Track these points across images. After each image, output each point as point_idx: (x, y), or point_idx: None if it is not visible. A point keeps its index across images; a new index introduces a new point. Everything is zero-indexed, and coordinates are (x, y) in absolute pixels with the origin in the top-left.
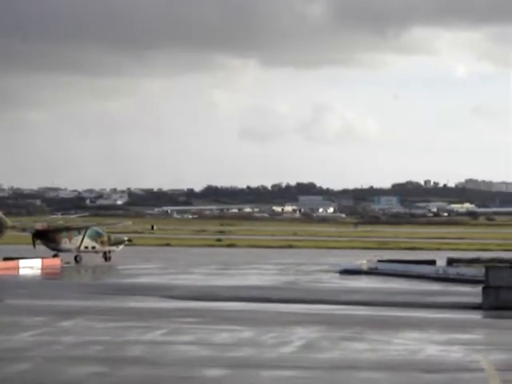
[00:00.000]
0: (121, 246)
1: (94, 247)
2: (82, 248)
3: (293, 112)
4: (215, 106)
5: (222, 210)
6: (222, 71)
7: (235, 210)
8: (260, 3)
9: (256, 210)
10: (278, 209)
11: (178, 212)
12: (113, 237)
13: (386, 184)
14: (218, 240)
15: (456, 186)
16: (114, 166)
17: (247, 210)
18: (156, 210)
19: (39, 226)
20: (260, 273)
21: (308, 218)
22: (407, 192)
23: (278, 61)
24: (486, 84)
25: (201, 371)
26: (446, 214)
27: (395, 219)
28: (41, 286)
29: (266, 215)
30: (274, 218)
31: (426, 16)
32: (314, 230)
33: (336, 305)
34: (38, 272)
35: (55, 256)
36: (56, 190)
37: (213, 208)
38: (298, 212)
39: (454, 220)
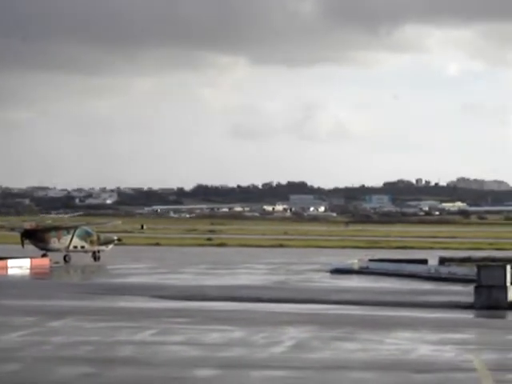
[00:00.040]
0: (110, 246)
1: (83, 247)
2: (71, 248)
3: (284, 110)
4: (206, 105)
5: (212, 209)
6: (212, 69)
7: (226, 209)
8: (251, 1)
9: (247, 209)
10: (268, 208)
11: (175, 211)
12: (102, 236)
13: (378, 183)
14: (209, 239)
15: (447, 184)
16: (104, 165)
17: (238, 209)
18: (146, 209)
19: (28, 225)
20: (251, 272)
21: (299, 217)
22: (399, 191)
23: (268, 59)
24: (477, 82)
25: (191, 371)
26: (437, 213)
27: (386, 218)
28: (30, 285)
29: (256, 214)
30: (265, 217)
31: (417, 14)
32: (304, 229)
33: (327, 304)
34: (26, 272)
35: (44, 256)
36: (45, 189)
37: (203, 207)
38: (288, 211)
39: (445, 219)
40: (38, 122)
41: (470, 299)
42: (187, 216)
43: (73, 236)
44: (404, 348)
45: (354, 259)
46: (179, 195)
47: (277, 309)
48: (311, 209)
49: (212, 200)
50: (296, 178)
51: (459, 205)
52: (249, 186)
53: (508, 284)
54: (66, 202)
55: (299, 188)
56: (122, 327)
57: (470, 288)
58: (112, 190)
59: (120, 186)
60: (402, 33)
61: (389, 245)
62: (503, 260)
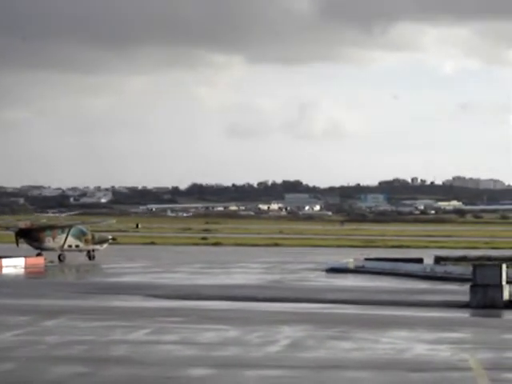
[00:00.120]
0: (105, 245)
1: (77, 246)
2: (66, 247)
3: (279, 109)
4: (200, 103)
5: (207, 208)
6: (207, 68)
7: (221, 208)
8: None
9: (242, 208)
10: (263, 207)
11: (172, 210)
12: (97, 235)
13: (373, 181)
14: (204, 238)
15: (443, 183)
16: (98, 164)
17: (233, 208)
18: (141, 208)
19: (23, 224)
20: (246, 271)
21: (294, 215)
22: (394, 190)
23: (263, 57)
24: (473, 80)
25: (186, 371)
26: (433, 212)
27: (382, 217)
28: (24, 285)
29: (251, 213)
30: (260, 216)
31: (412, 12)
32: (300, 228)
33: (322, 303)
34: (21, 271)
35: (39, 255)
36: (39, 188)
37: (198, 206)
38: (284, 210)
39: (441, 218)
40: (32, 120)
41: (466, 298)
42: (185, 215)
43: (67, 235)
44: (400, 347)
45: (350, 258)
46: (174, 194)
47: (272, 308)
48: (306, 208)
49: (207, 199)
50: (291, 177)
51: (455, 204)
52: (244, 185)
53: (503, 283)
54: (61, 200)
55: (294, 187)
56: (117, 326)
57: (466, 287)
58: (107, 189)
59: (115, 184)
60: (397, 31)
61: (384, 244)
62: (499, 259)
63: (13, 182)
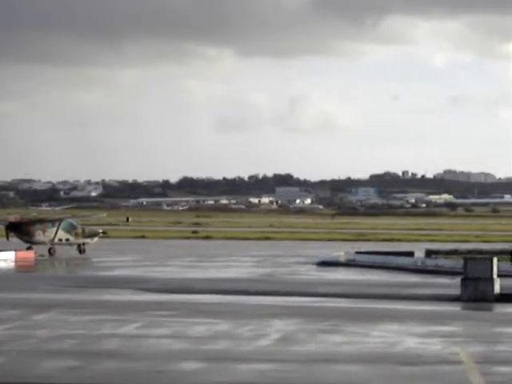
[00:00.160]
0: (95, 239)
1: (68, 239)
2: (56, 240)
3: (270, 102)
4: (191, 97)
5: (198, 201)
6: (197, 61)
7: (211, 202)
8: None
9: (232, 201)
10: (254, 200)
11: (168, 204)
12: (87, 229)
13: (364, 175)
14: (194, 232)
15: (434, 176)
16: (88, 157)
17: (223, 201)
18: (131, 201)
19: (13, 218)
20: (237, 265)
21: (285, 209)
22: (385, 183)
23: (254, 50)
24: (464, 74)
25: (177, 364)
26: (424, 205)
27: (373, 210)
28: (14, 278)
29: (242, 207)
30: (251, 209)
31: (403, 5)
32: (291, 222)
33: (313, 297)
34: (11, 265)
35: (29, 248)
36: (29, 181)
37: (189, 200)
38: (274, 203)
39: (432, 211)
40: (22, 114)
41: (457, 291)
42: (180, 208)
43: (58, 229)
44: (391, 341)
45: (341, 252)
46: (165, 188)
47: (263, 301)
48: (297, 201)
49: (198, 192)
50: (282, 171)
51: (446, 197)
52: (235, 179)
53: (494, 276)
54: (51, 194)
55: (285, 180)
56: (107, 320)
57: (457, 280)
58: (97, 183)
59: (105, 178)
60: (389, 24)
61: (375, 237)
62: (490, 252)
63: (3, 175)
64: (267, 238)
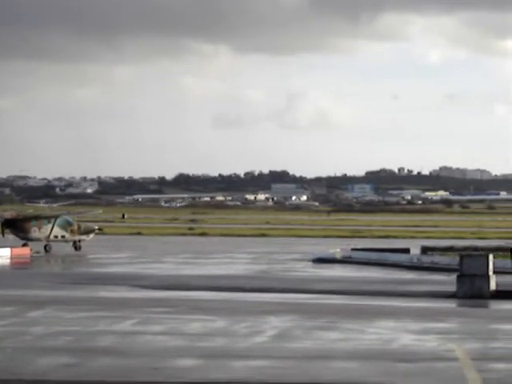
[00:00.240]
0: (91, 235)
1: (63, 236)
2: (52, 237)
3: (266, 99)
4: (187, 93)
5: (193, 198)
6: (193, 57)
7: (207, 199)
8: None
9: (228, 198)
10: (250, 197)
11: (166, 201)
12: (83, 226)
13: (360, 172)
14: (190, 229)
15: (430, 173)
16: (84, 154)
17: (219, 198)
18: (127, 198)
19: (8, 214)
20: (232, 262)
21: (281, 206)
22: (381, 180)
23: (250, 47)
24: (459, 70)
25: (173, 361)
26: (420, 202)
27: (369, 207)
28: (10, 275)
29: (238, 203)
30: (247, 206)
31: (399, 2)
32: (287, 219)
33: (309, 294)
34: (6, 261)
35: (25, 245)
36: (25, 178)
37: (184, 196)
38: (270, 200)
39: (428, 208)
40: (18, 110)
41: (453, 288)
42: (178, 205)
43: (53, 225)
44: (386, 337)
45: (337, 248)
46: (160, 184)
47: (259, 298)
48: (293, 198)
49: (193, 189)
50: (278, 167)
51: (442, 194)
52: (231, 175)
53: (490, 273)
54: (47, 191)
55: (281, 177)
56: (103, 317)
57: (453, 277)
58: (92, 179)
59: (101, 175)
60: (385, 21)
61: (371, 234)
62: (486, 249)
63: None
64: (263, 235)
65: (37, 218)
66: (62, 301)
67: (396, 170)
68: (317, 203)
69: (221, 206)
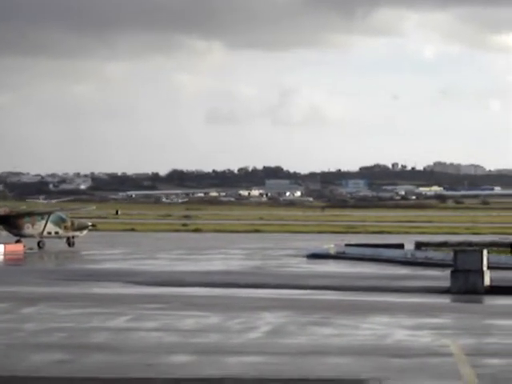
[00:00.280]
0: (84, 232)
1: (57, 232)
2: (45, 233)
3: (259, 95)
4: (180, 89)
5: (187, 194)
6: (186, 54)
7: (201, 195)
8: None
9: (222, 194)
10: (244, 193)
11: (167, 197)
12: (76, 222)
13: (354, 167)
14: (184, 225)
15: (424, 168)
16: (77, 150)
17: (213, 194)
18: (120, 194)
19: (1, 211)
20: (226, 258)
21: (275, 201)
22: (375, 175)
23: (243, 43)
24: (454, 66)
25: (166, 357)
26: (414, 198)
27: (363, 203)
28: (3, 271)
29: (232, 199)
30: (241, 202)
31: None
32: (281, 214)
33: (303, 289)
34: (0, 258)
35: (18, 241)
36: (18, 174)
37: (178, 192)
38: (264, 196)
39: (422, 203)
40: (11, 106)
41: (447, 284)
42: (180, 201)
43: (47, 222)
44: (380, 333)
45: (331, 244)
46: (154, 180)
47: (253, 294)
48: (287, 194)
49: (187, 185)
50: (272, 163)
51: (436, 189)
52: (224, 171)
53: (484, 268)
54: (40, 187)
55: (275, 173)
56: (97, 313)
57: (447, 272)
58: (86, 176)
59: (94, 171)
60: (379, 16)
61: (365, 229)
62: (480, 244)
63: None
64: (257, 231)
65: (30, 214)
66: (55, 297)
67: (390, 166)
68: (311, 199)
69: (215, 201)
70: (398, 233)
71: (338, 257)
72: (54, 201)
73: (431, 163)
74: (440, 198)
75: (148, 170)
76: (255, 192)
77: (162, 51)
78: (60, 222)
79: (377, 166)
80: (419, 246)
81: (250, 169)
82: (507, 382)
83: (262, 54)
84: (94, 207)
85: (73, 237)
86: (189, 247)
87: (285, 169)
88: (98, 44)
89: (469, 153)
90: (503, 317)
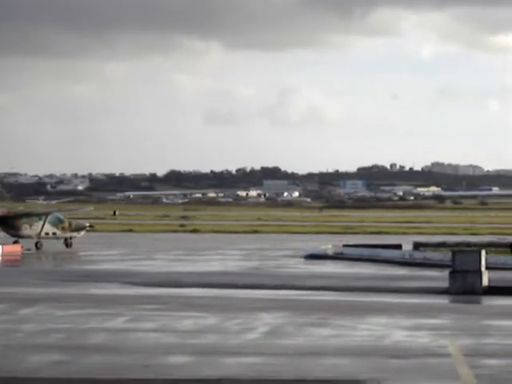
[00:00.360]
0: (82, 232)
1: (54, 233)
2: (43, 234)
3: (258, 95)
4: (178, 90)
5: (185, 194)
6: (185, 54)
7: (199, 195)
8: None
9: (220, 194)
10: (242, 193)
11: (167, 197)
12: (74, 223)
13: (352, 168)
14: (182, 225)
15: (422, 169)
16: (75, 151)
17: (211, 194)
18: (118, 195)
19: None
20: (224, 258)
21: (273, 202)
22: (373, 176)
23: (242, 43)
24: (451, 66)
25: (164, 358)
26: (412, 198)
27: (361, 203)
28: (1, 272)
29: (230, 200)
30: (239, 202)
31: None
32: (278, 215)
33: (301, 290)
34: None
35: (15, 242)
36: (15, 175)
37: (176, 193)
38: (262, 196)
39: (420, 204)
40: (6, 106)
41: (445, 284)
42: (180, 201)
43: (44, 222)
44: (378, 334)
45: (329, 245)
46: (152, 181)
47: (251, 295)
48: (285, 194)
49: (185, 186)
50: (270, 164)
51: (434, 190)
52: (222, 172)
53: (483, 269)
54: (38, 188)
55: (273, 173)
56: (94, 314)
57: (445, 273)
58: (84, 176)
59: (92, 171)
60: (377, 16)
61: (363, 230)
62: (478, 245)
63: None
64: (255, 232)
65: (28, 215)
66: (53, 298)
67: (388, 166)
68: (309, 199)
69: (212, 202)
70: (396, 233)
71: (336, 257)
72: (54, 201)
73: (429, 164)
74: (438, 198)
75: (146, 170)
76: (253, 192)
77: (161, 51)
78: (58, 222)
79: (375, 167)
80: (417, 246)
81: (248, 169)
82: (505, 382)
83: (260, 55)
84: (92, 208)
85: (70, 237)
86: (186, 248)
87: (283, 169)
88: (98, 44)
89: (467, 153)
90: (501, 317)
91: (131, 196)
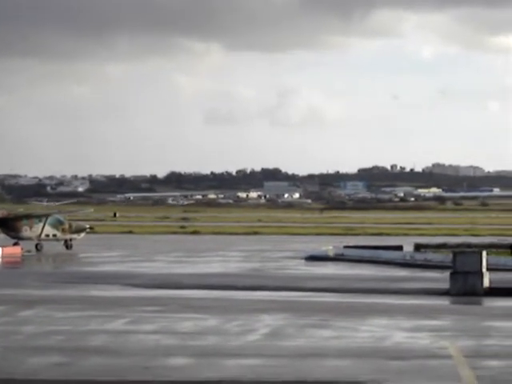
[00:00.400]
0: (82, 234)
1: (55, 235)
2: (43, 236)
3: (258, 96)
4: (179, 91)
5: (185, 196)
6: (185, 55)
7: (199, 197)
8: None
9: (220, 196)
10: (242, 195)
11: (173, 198)
12: (74, 224)
13: (352, 169)
14: (182, 227)
15: (423, 170)
16: (75, 152)
17: (211, 196)
18: (118, 196)
19: None
20: (225, 260)
21: (273, 203)
22: (373, 177)
23: (242, 44)
24: (452, 67)
25: (164, 360)
26: (412, 199)
27: (361, 204)
28: (1, 274)
29: (230, 201)
30: (239, 204)
31: None
32: (279, 216)
33: (302, 292)
34: None
35: (16, 244)
36: (16, 177)
37: (176, 194)
38: (263, 198)
39: (420, 205)
40: (6, 108)
41: (446, 285)
42: (185, 203)
43: (44, 224)
44: (379, 335)
45: (329, 246)
46: (152, 182)
47: (251, 296)
48: (286, 195)
49: (185, 187)
50: (270, 165)
51: (435, 191)
52: (223, 173)
53: (484, 270)
54: (38, 189)
55: (273, 175)
56: (95, 316)
57: (446, 274)
58: (84, 178)
59: (92, 173)
60: (377, 18)
61: (364, 231)
62: (479, 246)
63: None
64: (255, 233)
65: (28, 216)
66: (53, 300)
67: (389, 167)
68: (309, 201)
69: (213, 203)
70: (397, 234)
71: (337, 259)
72: (56, 203)
73: (430, 165)
74: (439, 199)
75: (146, 172)
76: (253, 194)
77: (161, 52)
78: (58, 224)
79: (375, 168)
80: (418, 247)
81: (249, 171)
82: (506, 383)
83: (260, 56)
84: (92, 210)
85: (70, 239)
86: (187, 249)
87: (283, 170)
88: (98, 45)
89: (467, 154)
90: (502, 318)
91: (131, 198)
